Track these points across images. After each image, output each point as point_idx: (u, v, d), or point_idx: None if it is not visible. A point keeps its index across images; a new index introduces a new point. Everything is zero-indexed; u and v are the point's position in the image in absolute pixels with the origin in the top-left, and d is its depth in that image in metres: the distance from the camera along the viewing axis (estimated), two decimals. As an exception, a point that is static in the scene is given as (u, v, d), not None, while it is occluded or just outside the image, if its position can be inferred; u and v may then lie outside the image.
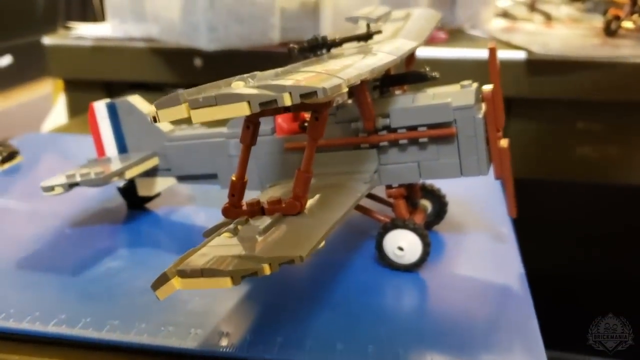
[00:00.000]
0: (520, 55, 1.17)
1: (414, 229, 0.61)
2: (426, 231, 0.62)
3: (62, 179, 0.67)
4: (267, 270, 0.44)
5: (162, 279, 0.44)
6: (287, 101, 0.41)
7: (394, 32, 0.68)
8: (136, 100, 0.73)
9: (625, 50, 1.19)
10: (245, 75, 0.48)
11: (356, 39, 0.64)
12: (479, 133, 0.60)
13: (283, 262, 0.44)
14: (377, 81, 0.65)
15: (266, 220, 0.50)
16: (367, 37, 0.64)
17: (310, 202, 0.54)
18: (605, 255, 1.39)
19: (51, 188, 0.66)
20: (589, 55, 1.15)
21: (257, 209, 0.52)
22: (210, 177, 0.71)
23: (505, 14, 1.57)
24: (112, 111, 0.73)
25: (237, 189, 0.52)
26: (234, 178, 0.53)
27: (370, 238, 0.66)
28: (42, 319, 0.53)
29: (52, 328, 0.52)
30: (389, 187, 0.64)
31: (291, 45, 0.63)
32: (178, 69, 1.27)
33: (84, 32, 1.33)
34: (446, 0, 1.36)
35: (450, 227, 0.72)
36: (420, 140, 0.61)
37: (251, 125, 0.51)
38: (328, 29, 1.19)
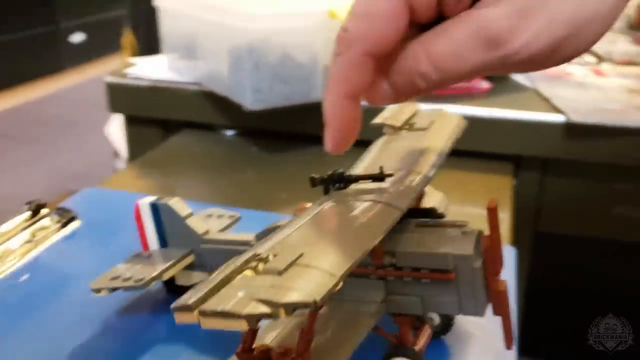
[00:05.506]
0: (560, 118, 1.18)
1: (414, 358, 0.67)
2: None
3: (107, 283, 0.75)
4: None
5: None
6: (282, 315, 0.47)
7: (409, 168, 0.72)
8: (176, 203, 0.80)
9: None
10: (252, 254, 0.53)
11: (370, 178, 0.69)
12: (476, 280, 0.65)
13: None
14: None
15: None
16: (380, 178, 0.69)
17: (317, 343, 0.61)
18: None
19: (98, 290, 0.75)
20: (623, 124, 1.16)
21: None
22: None
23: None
24: (155, 210, 0.81)
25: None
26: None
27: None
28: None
29: None
30: (395, 313, 0.70)
31: (312, 175, 0.69)
32: (229, 112, 1.33)
33: (142, 71, 1.41)
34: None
35: (457, 338, 0.77)
36: (423, 280, 0.66)
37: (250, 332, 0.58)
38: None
